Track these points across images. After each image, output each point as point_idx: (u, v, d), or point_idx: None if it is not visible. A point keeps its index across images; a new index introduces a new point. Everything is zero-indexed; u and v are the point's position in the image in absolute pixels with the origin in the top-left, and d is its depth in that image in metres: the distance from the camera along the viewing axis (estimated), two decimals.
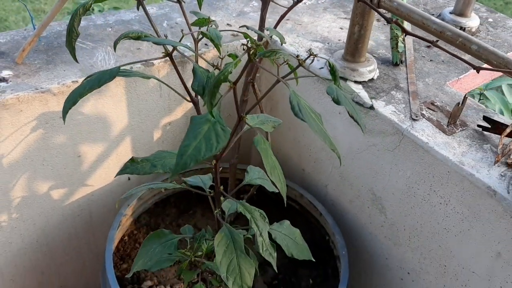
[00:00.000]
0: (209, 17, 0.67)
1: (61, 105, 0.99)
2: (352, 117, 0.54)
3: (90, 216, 1.22)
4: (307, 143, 1.21)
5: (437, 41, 0.75)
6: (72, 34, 0.56)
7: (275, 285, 1.12)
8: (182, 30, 0.61)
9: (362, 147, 1.06)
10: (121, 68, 0.60)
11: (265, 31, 0.67)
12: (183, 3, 0.67)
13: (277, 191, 0.86)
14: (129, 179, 1.23)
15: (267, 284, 1.12)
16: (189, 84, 0.60)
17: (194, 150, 0.47)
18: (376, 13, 1.02)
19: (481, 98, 1.99)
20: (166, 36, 0.58)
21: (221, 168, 0.72)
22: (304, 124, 1.21)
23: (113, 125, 1.10)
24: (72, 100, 0.54)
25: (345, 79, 1.06)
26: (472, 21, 1.28)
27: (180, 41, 0.59)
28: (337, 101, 0.53)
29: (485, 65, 0.81)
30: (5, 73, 0.98)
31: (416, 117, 0.98)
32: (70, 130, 1.04)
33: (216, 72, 0.54)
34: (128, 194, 0.76)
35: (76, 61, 0.64)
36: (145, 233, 1.16)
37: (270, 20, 1.25)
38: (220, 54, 0.63)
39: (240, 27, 0.70)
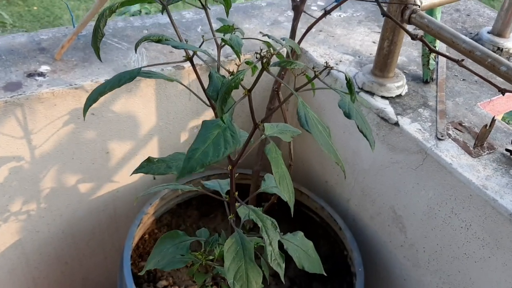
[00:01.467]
0: (233, 24, 0.68)
1: None
2: (361, 131, 0.54)
3: (114, 211, 1.26)
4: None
5: (463, 60, 0.74)
6: (97, 34, 0.58)
7: None
8: (202, 36, 0.63)
9: (385, 163, 1.05)
10: (144, 69, 0.62)
11: (282, 40, 0.67)
12: (208, 9, 0.69)
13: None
14: (154, 178, 1.26)
15: None
16: None
17: (201, 155, 0.48)
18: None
19: None
20: (186, 41, 0.60)
21: (237, 174, 0.73)
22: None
23: (142, 125, 1.14)
24: (92, 98, 0.56)
25: (372, 94, 1.05)
26: (510, 42, 1.25)
27: (200, 46, 0.60)
28: (347, 115, 0.53)
29: None
30: (44, 68, 1.03)
31: (442, 136, 0.96)
32: (100, 127, 1.08)
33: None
34: (146, 193, 0.79)
35: (100, 60, 0.67)
36: (165, 232, 1.19)
37: (303, 30, 1.26)
38: (240, 60, 0.64)
39: (263, 35, 0.71)
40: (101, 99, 1.04)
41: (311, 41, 1.23)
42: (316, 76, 0.60)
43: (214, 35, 0.64)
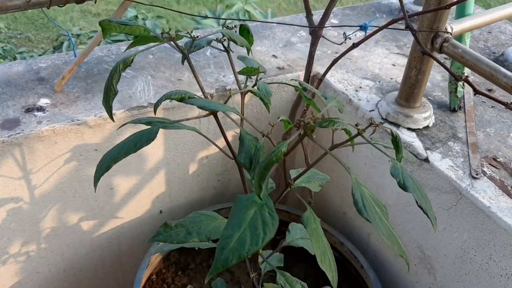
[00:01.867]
0: (258, 66, 0.61)
1: (97, 137, 0.96)
2: (420, 207, 0.46)
3: (119, 248, 1.18)
4: (351, 186, 1.13)
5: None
6: (110, 92, 0.51)
7: None
8: (229, 90, 0.55)
9: (412, 200, 0.97)
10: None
11: (324, 99, 0.59)
12: (231, 52, 0.61)
13: None
14: (160, 212, 1.18)
15: None
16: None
17: (237, 243, 0.40)
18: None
19: None
20: (212, 96, 0.52)
21: None
22: (341, 150, 1.13)
23: (148, 158, 1.06)
24: (105, 165, 0.49)
25: (398, 125, 0.98)
26: None
27: (225, 103, 0.53)
28: (403, 186, 0.46)
29: None
30: (43, 102, 0.95)
31: (477, 174, 0.88)
32: None
33: (266, 142, 0.47)
34: (154, 252, 0.71)
35: (113, 120, 0.59)
36: (173, 272, 1.11)
37: (318, 53, 1.19)
38: (269, 112, 0.57)
39: (290, 80, 0.63)
40: (106, 133, 0.96)
41: (327, 65, 1.15)
42: (359, 134, 0.52)
43: (239, 85, 0.56)
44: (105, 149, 0.98)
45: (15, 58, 2.80)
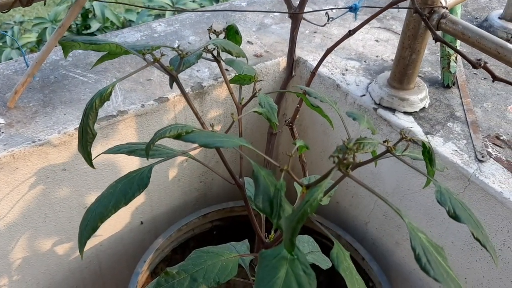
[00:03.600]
0: (255, 74, 0.51)
1: (63, 156, 0.84)
2: (478, 239, 0.39)
3: (100, 266, 1.08)
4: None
5: None
6: (87, 136, 0.40)
7: None
8: (232, 115, 0.46)
9: (414, 188, 0.92)
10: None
11: (352, 119, 0.51)
12: (221, 62, 0.51)
13: (330, 265, 0.72)
14: (141, 223, 1.08)
15: None
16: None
17: None
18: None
19: None
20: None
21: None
22: None
23: (123, 170, 0.95)
24: (91, 226, 0.39)
25: (393, 110, 0.91)
26: None
27: (228, 130, 0.43)
28: (454, 216, 0.39)
29: None
30: None
31: (483, 157, 0.83)
32: (74, 182, 0.89)
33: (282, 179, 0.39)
34: None
35: (93, 167, 0.48)
36: None
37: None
38: (275, 129, 0.48)
39: (292, 86, 0.54)
40: (74, 150, 0.85)
41: (308, 47, 1.07)
42: (389, 151, 0.44)
43: (234, 100, 0.47)
44: (74, 168, 0.87)
45: None
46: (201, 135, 0.39)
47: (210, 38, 0.51)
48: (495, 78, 0.60)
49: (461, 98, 0.96)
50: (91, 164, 0.45)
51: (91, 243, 1.02)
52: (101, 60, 0.49)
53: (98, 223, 0.39)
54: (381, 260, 1.07)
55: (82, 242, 0.39)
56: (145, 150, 0.41)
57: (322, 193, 0.34)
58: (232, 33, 0.55)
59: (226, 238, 1.13)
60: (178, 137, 0.40)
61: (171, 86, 0.44)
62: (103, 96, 0.40)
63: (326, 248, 1.07)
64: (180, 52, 0.43)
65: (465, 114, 0.92)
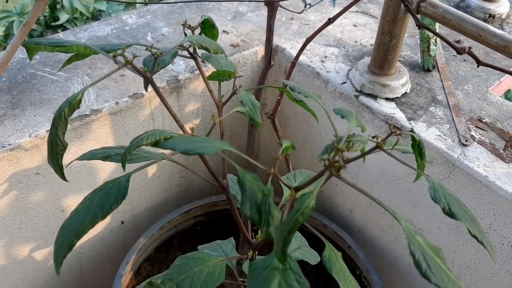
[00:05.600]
0: (235, 70, 0.49)
1: (36, 160, 0.81)
2: (475, 236, 0.38)
3: (81, 269, 1.05)
4: None
5: None
6: (57, 148, 0.37)
7: None
8: (212, 116, 0.43)
9: (398, 174, 0.91)
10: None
11: (341, 118, 0.49)
12: (198, 59, 0.48)
13: (318, 259, 0.71)
14: (122, 222, 1.05)
15: None
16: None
17: None
18: (411, 17, 0.85)
19: None
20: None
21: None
22: (323, 141, 1.05)
23: (100, 170, 0.92)
24: (67, 244, 0.36)
25: (375, 97, 0.89)
26: (502, 7, 1.12)
27: (209, 133, 0.41)
28: (450, 214, 0.37)
29: None
30: None
31: (466, 141, 0.82)
32: (49, 186, 0.85)
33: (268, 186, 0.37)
34: None
35: (66, 180, 0.45)
36: None
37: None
38: (258, 128, 0.45)
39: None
40: (46, 153, 0.81)
41: (285, 34, 1.04)
42: (378, 147, 0.42)
43: (214, 99, 0.44)
44: (48, 172, 0.83)
45: None
46: (180, 141, 0.36)
47: (185, 33, 0.48)
48: (479, 63, 0.59)
49: (442, 82, 0.95)
50: (63, 177, 0.42)
51: None
52: (69, 61, 0.46)
53: (74, 240, 0.36)
54: (367, 247, 1.07)
55: (58, 261, 0.36)
56: (121, 160, 0.38)
57: (314, 200, 0.32)
58: (208, 26, 0.52)
59: (210, 234, 1.11)
60: (156, 144, 0.37)
61: (146, 89, 0.41)
62: (73, 105, 0.36)
63: (313, 238, 1.06)
64: (154, 52, 0.40)
65: (446, 98, 0.91)
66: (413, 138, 0.45)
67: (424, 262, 0.31)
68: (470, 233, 0.38)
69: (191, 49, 0.46)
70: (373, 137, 0.42)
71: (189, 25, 0.47)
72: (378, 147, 0.42)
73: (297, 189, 0.39)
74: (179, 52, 0.46)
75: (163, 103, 0.42)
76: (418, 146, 0.44)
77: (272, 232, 0.35)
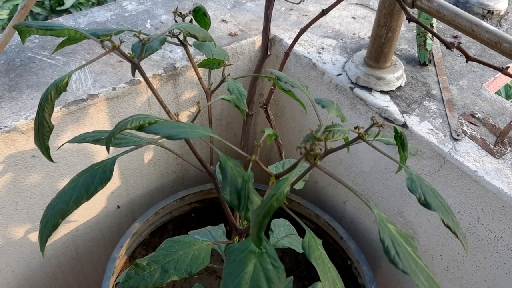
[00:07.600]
0: (224, 58, 0.49)
1: (32, 142, 0.82)
2: (448, 227, 0.39)
3: (76, 251, 1.06)
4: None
5: (508, 68, 0.59)
6: (43, 129, 0.38)
7: None
8: (197, 103, 0.44)
9: (390, 167, 0.92)
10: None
11: (321, 107, 0.49)
12: (188, 46, 0.49)
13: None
14: (118, 207, 1.07)
15: None
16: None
17: None
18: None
19: None
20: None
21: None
22: None
23: (96, 154, 0.93)
24: (51, 223, 0.37)
25: (370, 89, 0.90)
26: (501, 3, 1.12)
27: (194, 119, 0.42)
28: (425, 204, 0.38)
29: None
30: None
31: (458, 135, 0.83)
32: (45, 168, 0.87)
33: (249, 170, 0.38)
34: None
35: (52, 161, 0.46)
36: None
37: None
38: (244, 116, 0.46)
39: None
40: None
41: (284, 25, 1.04)
42: (360, 137, 0.43)
43: (203, 85, 0.45)
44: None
45: None
46: (164, 126, 0.37)
47: (176, 21, 0.49)
48: (469, 58, 0.59)
49: (437, 76, 0.95)
50: (49, 158, 0.43)
51: (66, 228, 1.00)
52: (61, 45, 0.47)
53: (59, 219, 0.37)
54: (359, 239, 1.08)
55: (43, 240, 0.37)
56: (105, 143, 0.39)
57: (289, 186, 0.33)
58: (200, 15, 0.53)
59: (205, 220, 1.12)
60: (140, 128, 0.38)
61: (133, 74, 0.42)
62: (59, 87, 0.37)
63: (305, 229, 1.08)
64: (142, 38, 0.41)
65: (441, 92, 0.91)
66: (395, 130, 0.45)
67: (393, 249, 0.32)
68: (444, 223, 0.39)
69: (181, 37, 0.47)
70: (355, 128, 0.43)
71: (180, 13, 0.48)
72: (360, 137, 0.43)
73: (277, 176, 0.40)
74: (170, 39, 0.47)
75: (150, 88, 0.43)
76: (400, 138, 0.45)
77: (250, 217, 0.36)
